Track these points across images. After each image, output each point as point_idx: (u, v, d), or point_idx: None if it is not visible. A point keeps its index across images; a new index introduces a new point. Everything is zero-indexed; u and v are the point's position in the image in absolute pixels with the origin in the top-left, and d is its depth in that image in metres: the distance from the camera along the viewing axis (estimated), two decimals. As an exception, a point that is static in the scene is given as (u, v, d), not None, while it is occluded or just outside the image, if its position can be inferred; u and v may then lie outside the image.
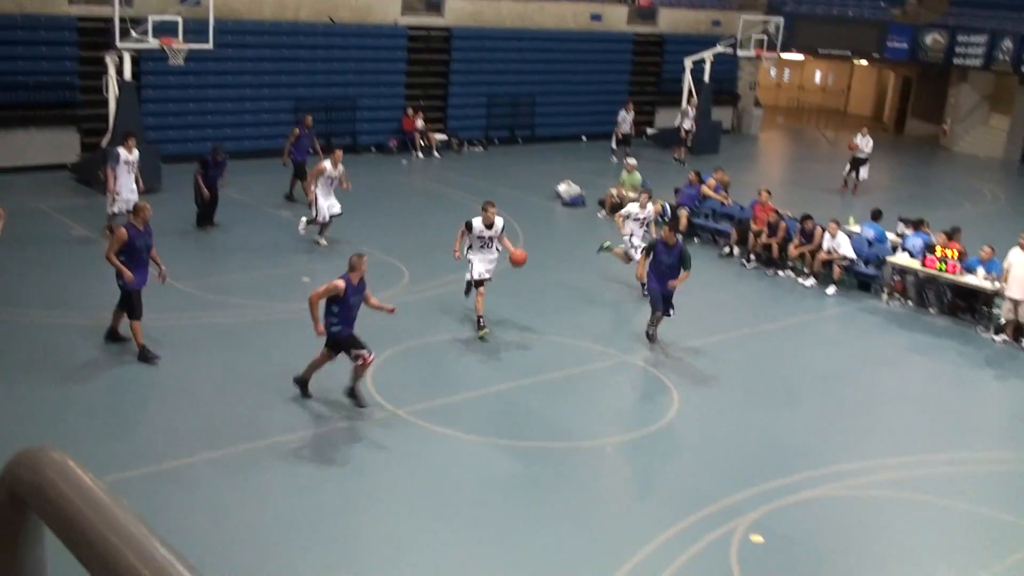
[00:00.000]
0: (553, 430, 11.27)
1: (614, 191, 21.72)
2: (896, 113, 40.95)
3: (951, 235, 17.09)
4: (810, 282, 17.72)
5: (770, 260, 18.48)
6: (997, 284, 15.80)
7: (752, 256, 18.70)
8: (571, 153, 29.46)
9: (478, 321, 13.66)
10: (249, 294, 15.01)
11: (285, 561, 8.39)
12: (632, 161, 22.49)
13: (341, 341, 11.00)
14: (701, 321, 15.30)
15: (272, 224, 19.12)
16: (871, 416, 12.49)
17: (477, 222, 13.74)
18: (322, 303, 10.96)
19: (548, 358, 13.39)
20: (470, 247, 13.73)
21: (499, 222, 13.83)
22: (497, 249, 13.88)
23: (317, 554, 8.46)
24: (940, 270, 16.58)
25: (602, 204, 21.92)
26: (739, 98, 36.05)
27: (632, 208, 16.58)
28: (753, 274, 18.33)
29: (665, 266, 13.69)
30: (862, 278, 17.78)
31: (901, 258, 17.40)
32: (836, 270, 17.45)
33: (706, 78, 30.72)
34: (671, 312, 13.77)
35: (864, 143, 25.68)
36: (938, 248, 16.70)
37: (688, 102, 30.00)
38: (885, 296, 17.31)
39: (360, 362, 10.95)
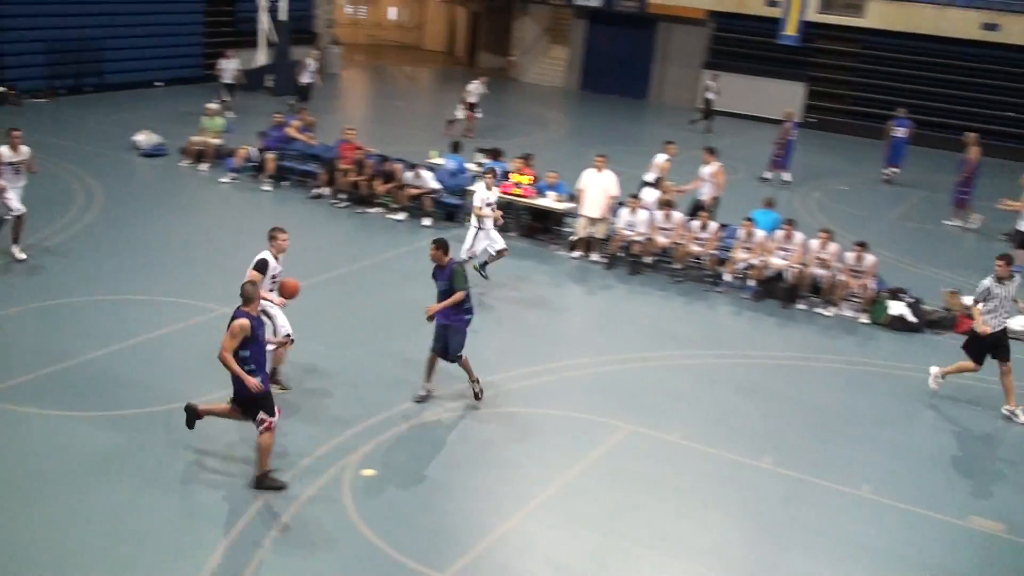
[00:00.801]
0: (151, 395, 10.82)
1: (196, 138, 20.92)
2: (468, 47, 42.73)
3: (525, 161, 18.24)
4: (401, 216, 18.23)
5: (360, 198, 18.74)
6: (568, 204, 17.16)
7: (342, 195, 18.88)
8: (147, 100, 27.95)
9: None
10: None
11: None
12: (213, 105, 21.75)
13: (261, 397, 9.02)
14: (297, 265, 15.24)
15: None
16: (472, 341, 13.11)
17: (269, 256, 10.65)
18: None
19: (140, 320, 12.78)
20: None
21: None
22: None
23: None
24: (516, 195, 17.67)
25: (184, 152, 21.06)
26: (318, 36, 35.89)
27: (482, 193, 15.37)
28: (344, 213, 18.53)
29: (439, 292, 11.05)
30: (449, 208, 18.55)
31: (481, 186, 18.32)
32: (426, 202, 18.07)
33: (282, 16, 30.24)
34: (451, 356, 11.18)
35: (476, 87, 26.41)
36: (513, 175, 17.78)
37: (310, 54, 28.65)
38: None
39: (264, 427, 9.11)
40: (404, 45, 43.44)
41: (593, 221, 16.81)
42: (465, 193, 18.39)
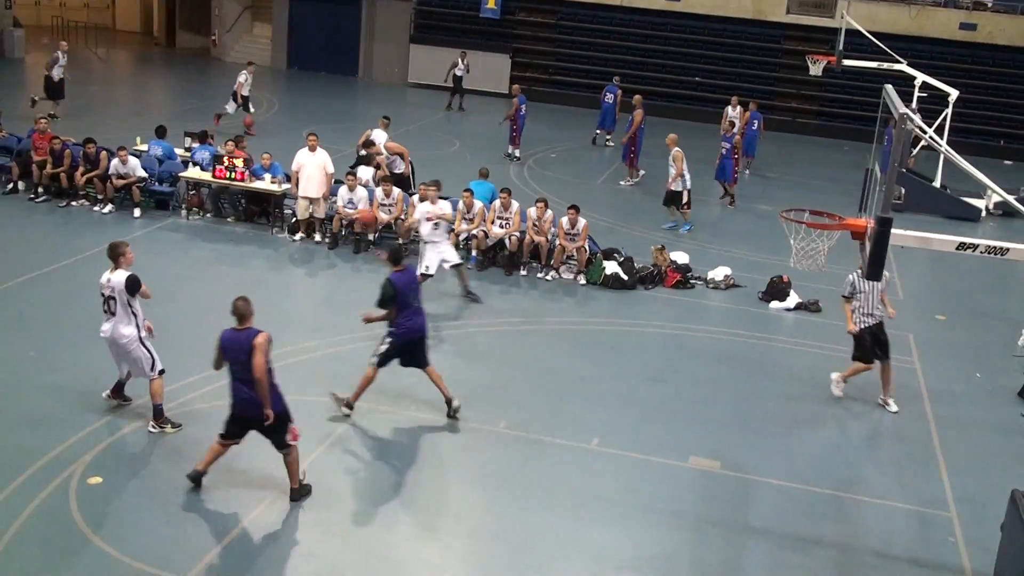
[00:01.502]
0: None
1: None
2: (165, 26, 40.83)
3: (237, 143, 17.71)
4: (108, 208, 17.25)
5: (61, 191, 17.56)
6: (285, 186, 16.85)
7: (40, 189, 17.62)
8: None
9: None
10: None
11: None
12: None
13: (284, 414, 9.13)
14: (-5, 267, 14.19)
15: None
16: (195, 333, 12.65)
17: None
18: None
19: None
20: None
21: None
22: None
23: None
24: (230, 179, 17.15)
25: None
26: (-7, 19, 33.17)
27: (422, 207, 14.51)
28: (43, 208, 17.31)
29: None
30: (159, 196, 17.74)
31: (193, 172, 17.65)
32: (135, 192, 17.19)
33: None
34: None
35: (246, 78, 24.69)
36: (225, 158, 17.23)
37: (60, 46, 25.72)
38: (184, 212, 17.51)
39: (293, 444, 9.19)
40: (96, 26, 40.79)
41: (312, 201, 16.60)
42: (176, 180, 17.65)
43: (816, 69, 25.98)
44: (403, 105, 31.84)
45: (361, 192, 16.54)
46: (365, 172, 17.46)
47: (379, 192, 16.55)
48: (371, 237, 16.53)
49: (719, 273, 16.17)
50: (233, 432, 9.13)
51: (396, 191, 16.60)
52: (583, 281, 15.76)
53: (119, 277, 10.00)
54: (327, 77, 35.13)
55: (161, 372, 10.23)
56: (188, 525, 8.76)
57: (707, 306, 15.37)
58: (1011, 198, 9.09)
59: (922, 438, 11.65)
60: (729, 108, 25.56)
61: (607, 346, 13.42)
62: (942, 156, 9.91)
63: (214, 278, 14.92)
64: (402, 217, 16.31)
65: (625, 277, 15.66)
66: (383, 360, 10.82)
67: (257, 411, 8.81)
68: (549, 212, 16.16)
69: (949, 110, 23.12)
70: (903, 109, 7.88)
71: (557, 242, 15.88)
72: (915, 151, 23.98)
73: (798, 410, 12.12)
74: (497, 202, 16.31)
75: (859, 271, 11.55)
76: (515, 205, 16.22)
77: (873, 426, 11.94)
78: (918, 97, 23.44)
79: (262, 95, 30.32)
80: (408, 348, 10.87)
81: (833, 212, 9.66)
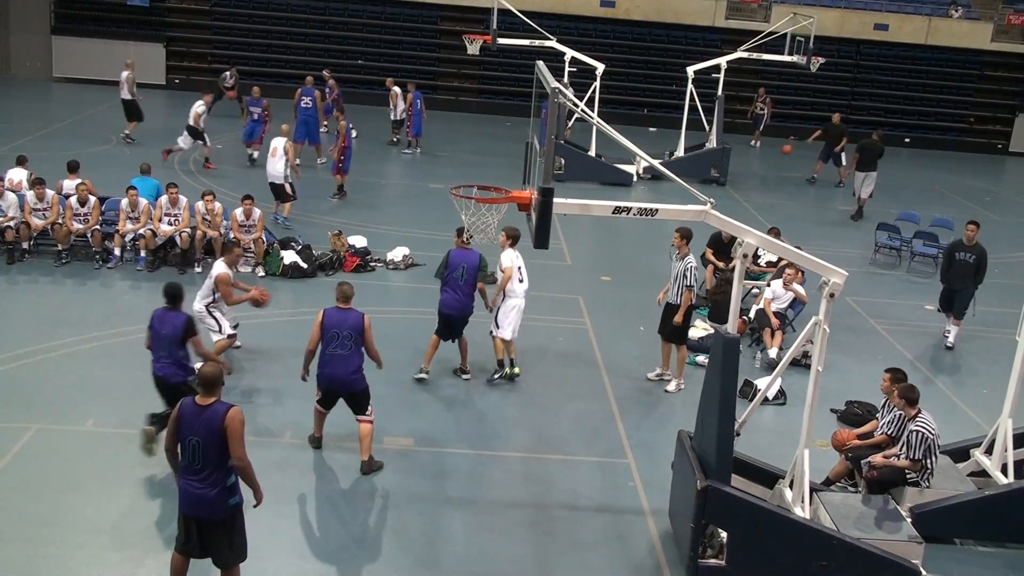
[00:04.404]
0: None
1: None
2: None
3: None
4: None
5: None
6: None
7: None
8: None
9: None
10: None
11: None
12: None
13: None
14: None
15: None
16: None
17: None
18: None
19: None
20: None
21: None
22: None
23: None
24: None
25: None
26: None
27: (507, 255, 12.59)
28: None
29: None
30: None
31: None
32: None
33: None
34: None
35: (202, 108, 22.00)
36: None
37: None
38: None
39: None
40: None
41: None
42: None
43: (473, 48, 26.79)
44: (50, 101, 29.68)
45: (11, 197, 15.32)
46: (15, 175, 16.20)
47: (31, 196, 15.40)
48: (25, 246, 15.35)
49: (398, 254, 16.40)
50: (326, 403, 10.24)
51: (50, 192, 15.52)
52: (262, 273, 15.48)
53: None
54: (-44, 74, 32.09)
55: None
56: None
57: (389, 287, 15.56)
58: (656, 162, 9.85)
59: (598, 393, 12.45)
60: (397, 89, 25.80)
61: (294, 335, 13.24)
62: (594, 127, 10.55)
63: None
64: (59, 222, 15.27)
65: (304, 265, 15.54)
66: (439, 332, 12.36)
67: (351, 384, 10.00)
68: (218, 204, 15.72)
69: (597, 83, 24.59)
70: (555, 84, 8.31)
71: (231, 235, 15.47)
72: (570, 123, 25.38)
73: (483, 383, 12.55)
74: (164, 198, 15.64)
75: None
76: (183, 200, 15.64)
77: (553, 387, 12.58)
78: (568, 72, 24.78)
79: None
80: (449, 320, 12.24)
81: (499, 186, 10.06)
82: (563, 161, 22.04)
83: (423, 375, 12.28)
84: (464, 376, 12.54)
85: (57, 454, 9.89)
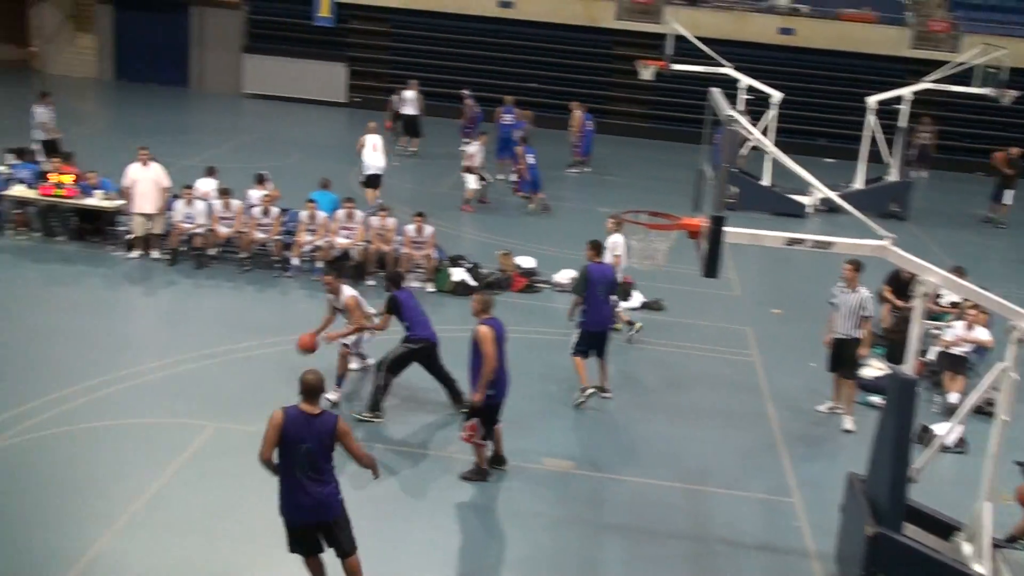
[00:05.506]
0: None
1: None
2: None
3: (65, 159, 17.02)
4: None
5: None
6: (118, 202, 16.27)
7: None
8: None
9: None
10: None
11: None
12: None
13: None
14: None
15: None
16: (29, 359, 12.11)
17: None
18: None
19: None
20: None
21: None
22: None
23: None
24: (58, 196, 16.45)
25: None
26: None
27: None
28: None
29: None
30: (-21, 215, 16.87)
31: (17, 190, 16.82)
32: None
33: None
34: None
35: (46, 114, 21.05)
36: (51, 175, 16.53)
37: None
38: (11, 232, 16.70)
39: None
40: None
41: (149, 217, 16.06)
42: (1, 198, 16.78)
43: (647, 74, 26.71)
44: (239, 115, 31.15)
45: (200, 205, 16.12)
46: (204, 185, 17.02)
47: (218, 204, 16.18)
48: (212, 252, 16.10)
49: (563, 276, 16.44)
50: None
51: (235, 203, 16.26)
52: (431, 289, 15.77)
53: None
54: (157, 88, 33.99)
55: None
56: (31, 558, 8.36)
57: (553, 308, 15.60)
58: (834, 194, 9.57)
59: (762, 426, 12.14)
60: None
61: (457, 353, 13.42)
62: (769, 156, 10.35)
63: (46, 299, 14.29)
64: (243, 231, 15.97)
65: (474, 283, 15.75)
66: (578, 350, 12.18)
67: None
68: (391, 220, 16.12)
69: (774, 111, 24.13)
70: (729, 112, 8.19)
71: (403, 250, 15.83)
72: (745, 152, 24.96)
73: (646, 408, 12.43)
74: (341, 212, 16.16)
75: (840, 284, 12.30)
76: (359, 214, 16.12)
77: (717, 420, 12.35)
78: (744, 100, 24.39)
79: (87, 107, 29.15)
80: (596, 338, 12.16)
81: (669, 212, 9.96)
82: (737, 190, 21.65)
83: (587, 396, 12.18)
84: (605, 395, 12.41)
85: (231, 452, 10.30)
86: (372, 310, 12.13)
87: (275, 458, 7.50)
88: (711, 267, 8.11)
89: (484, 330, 9.90)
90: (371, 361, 12.04)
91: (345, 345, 11.65)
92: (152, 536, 8.79)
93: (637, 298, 15.79)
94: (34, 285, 14.81)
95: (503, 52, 33.71)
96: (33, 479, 9.54)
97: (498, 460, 10.34)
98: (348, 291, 11.75)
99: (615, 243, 13.93)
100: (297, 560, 7.88)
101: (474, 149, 21.67)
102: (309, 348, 11.11)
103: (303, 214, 16.13)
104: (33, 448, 10.08)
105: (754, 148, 20.28)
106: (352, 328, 11.58)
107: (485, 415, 9.99)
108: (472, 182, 21.41)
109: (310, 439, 7.40)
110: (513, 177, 22.47)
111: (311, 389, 7.51)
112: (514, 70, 33.41)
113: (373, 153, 20.31)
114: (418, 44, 33.89)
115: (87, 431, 10.54)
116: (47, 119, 20.42)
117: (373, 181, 20.28)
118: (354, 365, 12.00)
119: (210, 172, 17.59)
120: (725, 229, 7.89)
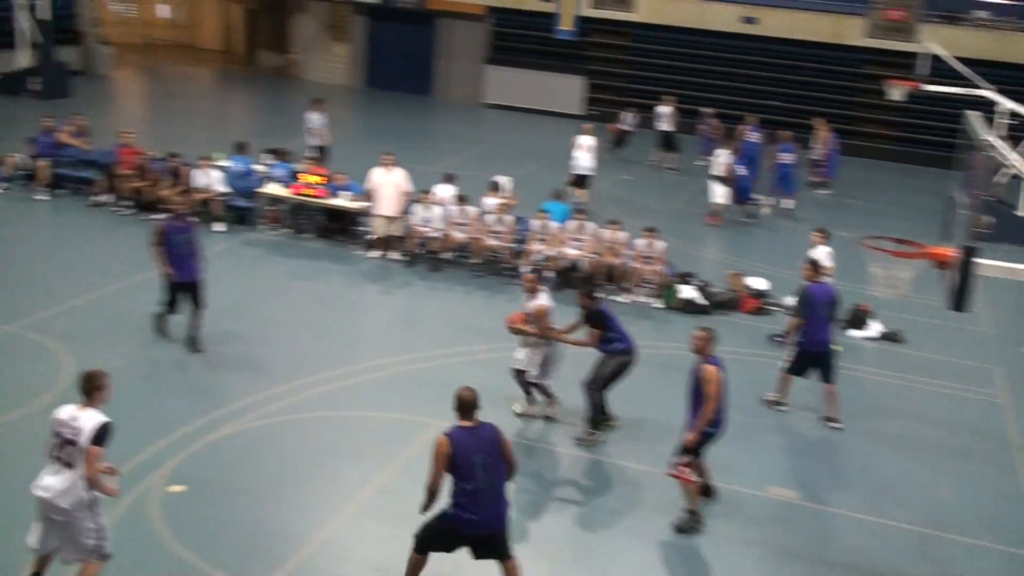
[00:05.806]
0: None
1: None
2: (246, 45, 41.58)
3: (316, 160, 17.96)
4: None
5: (145, 204, 17.92)
6: (362, 204, 17.02)
7: (124, 202, 18.02)
8: None
9: None
10: None
11: None
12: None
13: None
14: (81, 278, 14.53)
15: None
16: (271, 347, 12.84)
17: None
18: None
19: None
20: None
21: None
22: None
23: None
24: (308, 195, 17.38)
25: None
26: (84, 36, 34.03)
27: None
28: (130, 220, 17.66)
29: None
30: (239, 211, 18.01)
31: (272, 188, 17.91)
32: (215, 206, 17.49)
33: (44, 14, 28.54)
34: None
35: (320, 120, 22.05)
36: (302, 175, 17.48)
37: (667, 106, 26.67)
38: (264, 227, 17.78)
39: None
40: (178, 44, 41.84)
41: (390, 219, 16.72)
42: (255, 195, 17.91)
43: (897, 94, 25.52)
44: (478, 125, 31.97)
45: (437, 210, 16.63)
46: (442, 191, 17.55)
47: (454, 210, 16.65)
48: (447, 256, 16.58)
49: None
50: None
51: (471, 209, 16.68)
52: (659, 305, 15.63)
53: (90, 419, 7.34)
54: (403, 96, 35.42)
55: (105, 556, 7.57)
56: (266, 534, 8.82)
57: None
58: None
59: (1007, 474, 11.32)
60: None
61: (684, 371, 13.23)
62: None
63: (290, 292, 15.12)
64: (477, 237, 16.35)
65: (702, 302, 15.48)
66: (792, 368, 12.07)
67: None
68: (622, 233, 16.09)
69: (1036, 138, 22.53)
70: (986, 136, 7.70)
71: (632, 264, 15.78)
72: (1003, 179, 23.42)
73: (878, 444, 11.85)
74: (572, 223, 16.28)
75: None
76: (590, 227, 16.19)
77: (958, 462, 11.61)
78: (1007, 124, 22.89)
79: (339, 112, 30.68)
80: (813, 358, 11.92)
81: (915, 240, 9.47)
82: (992, 219, 20.32)
83: (778, 407, 12.06)
84: (836, 426, 11.92)
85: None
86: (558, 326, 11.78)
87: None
88: (960, 300, 7.67)
89: (711, 371, 9.32)
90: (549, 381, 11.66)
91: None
92: (379, 525, 9.11)
93: (875, 327, 15.08)
94: (281, 277, 15.70)
95: (744, 68, 33.10)
96: (269, 460, 10.10)
97: (706, 491, 9.94)
98: (543, 298, 11.36)
99: (820, 257, 13.40)
100: (522, 555, 7.97)
101: (725, 158, 21.05)
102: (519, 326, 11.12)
103: (535, 223, 16.36)
104: (270, 432, 10.66)
105: (1014, 176, 19.01)
106: (535, 330, 11.23)
107: (697, 450, 9.62)
108: (720, 194, 20.92)
109: (481, 451, 7.53)
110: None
111: (467, 405, 7.66)
112: (755, 87, 32.73)
113: (583, 154, 20.84)
114: (658, 59, 33.78)
115: (320, 419, 11.06)
116: (320, 125, 21.52)
117: (581, 181, 20.88)
118: (533, 372, 11.52)
119: (448, 179, 18.10)
120: (977, 261, 7.42)
